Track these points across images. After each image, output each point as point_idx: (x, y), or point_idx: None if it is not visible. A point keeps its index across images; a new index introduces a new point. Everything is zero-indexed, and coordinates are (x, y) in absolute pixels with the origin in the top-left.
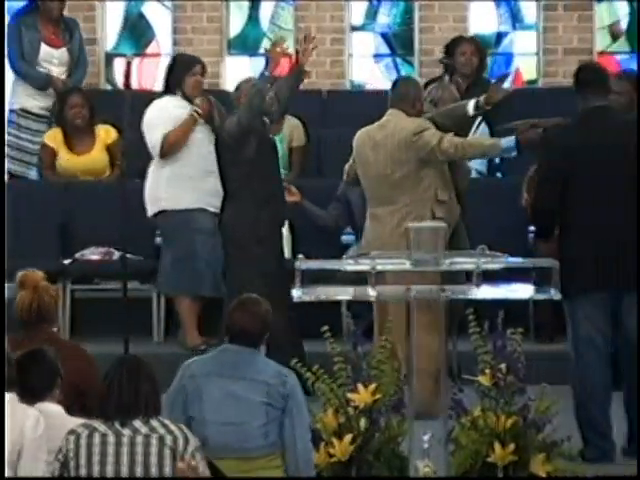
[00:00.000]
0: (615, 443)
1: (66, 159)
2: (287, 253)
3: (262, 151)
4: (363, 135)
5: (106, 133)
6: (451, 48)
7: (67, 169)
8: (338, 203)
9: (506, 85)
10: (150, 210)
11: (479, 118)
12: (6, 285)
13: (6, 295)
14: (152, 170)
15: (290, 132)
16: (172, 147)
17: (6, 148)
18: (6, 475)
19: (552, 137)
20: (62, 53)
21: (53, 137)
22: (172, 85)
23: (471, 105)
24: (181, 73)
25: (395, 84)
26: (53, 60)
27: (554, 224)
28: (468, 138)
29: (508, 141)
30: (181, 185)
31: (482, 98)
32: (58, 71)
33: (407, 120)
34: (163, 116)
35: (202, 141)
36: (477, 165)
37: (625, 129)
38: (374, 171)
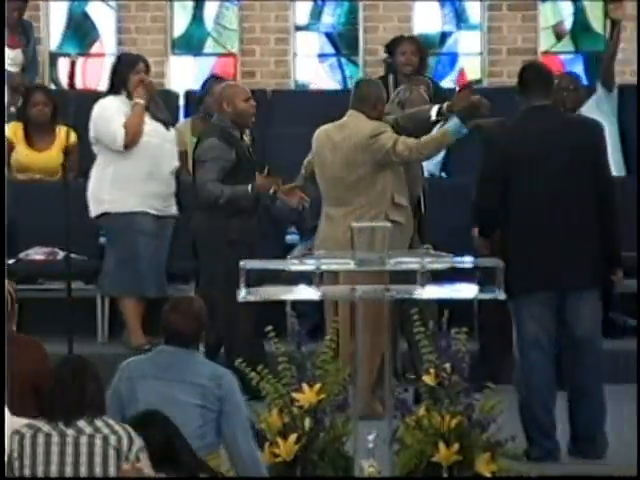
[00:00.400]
0: (559, 443)
1: (24, 154)
2: None
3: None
4: (322, 135)
5: (66, 135)
6: (391, 47)
7: (23, 164)
8: None
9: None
10: (93, 211)
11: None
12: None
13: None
14: (95, 170)
15: None
16: (135, 136)
17: None
18: None
19: (492, 136)
20: (17, 54)
21: (13, 131)
22: (117, 84)
23: (434, 110)
24: (125, 72)
25: (357, 85)
26: (8, 60)
27: (496, 222)
28: (421, 138)
29: (453, 123)
30: (124, 188)
31: (445, 104)
32: (12, 70)
33: (365, 122)
34: (113, 111)
35: (147, 144)
36: (430, 166)
37: (566, 129)
38: (330, 172)
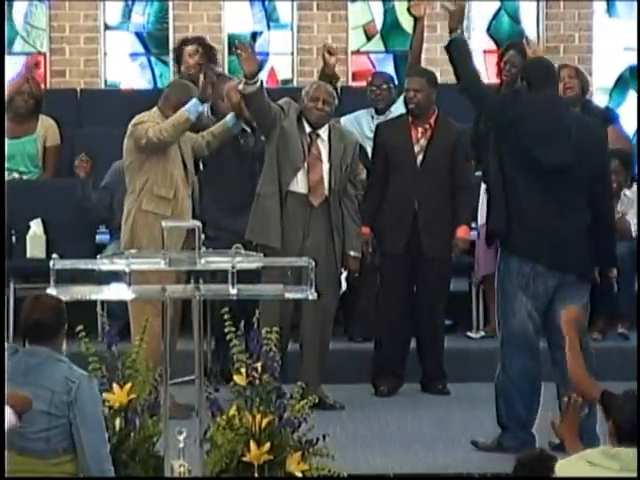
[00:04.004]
0: (535, 435)
1: None
2: (42, 253)
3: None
4: None
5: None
6: (178, 50)
7: None
8: (103, 193)
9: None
10: None
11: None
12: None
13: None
14: None
15: (44, 132)
16: None
17: None
18: None
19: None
20: None
21: None
22: None
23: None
24: None
25: (167, 85)
26: None
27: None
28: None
29: (191, 102)
30: None
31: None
32: None
33: (143, 115)
34: None
35: None
36: None
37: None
38: None
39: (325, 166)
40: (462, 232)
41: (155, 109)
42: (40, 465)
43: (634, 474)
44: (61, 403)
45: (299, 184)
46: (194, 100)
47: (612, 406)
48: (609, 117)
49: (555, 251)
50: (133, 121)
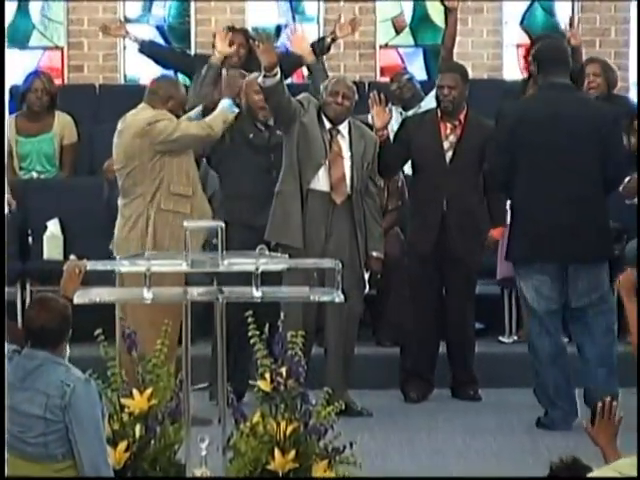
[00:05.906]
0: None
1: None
2: (59, 254)
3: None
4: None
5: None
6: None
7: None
8: None
9: None
10: None
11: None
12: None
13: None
14: None
15: (61, 129)
16: None
17: None
18: None
19: (505, 107)
20: None
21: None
22: None
23: (260, 77)
24: None
25: (153, 80)
26: None
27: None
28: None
29: (225, 102)
30: None
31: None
32: None
33: (145, 112)
34: None
35: None
36: None
37: (580, 107)
38: (116, 163)
39: (347, 163)
40: (498, 233)
41: (144, 105)
42: (41, 471)
43: None
44: (55, 407)
45: (320, 181)
46: (228, 100)
47: None
48: (632, 108)
49: (553, 244)
50: (145, 121)
